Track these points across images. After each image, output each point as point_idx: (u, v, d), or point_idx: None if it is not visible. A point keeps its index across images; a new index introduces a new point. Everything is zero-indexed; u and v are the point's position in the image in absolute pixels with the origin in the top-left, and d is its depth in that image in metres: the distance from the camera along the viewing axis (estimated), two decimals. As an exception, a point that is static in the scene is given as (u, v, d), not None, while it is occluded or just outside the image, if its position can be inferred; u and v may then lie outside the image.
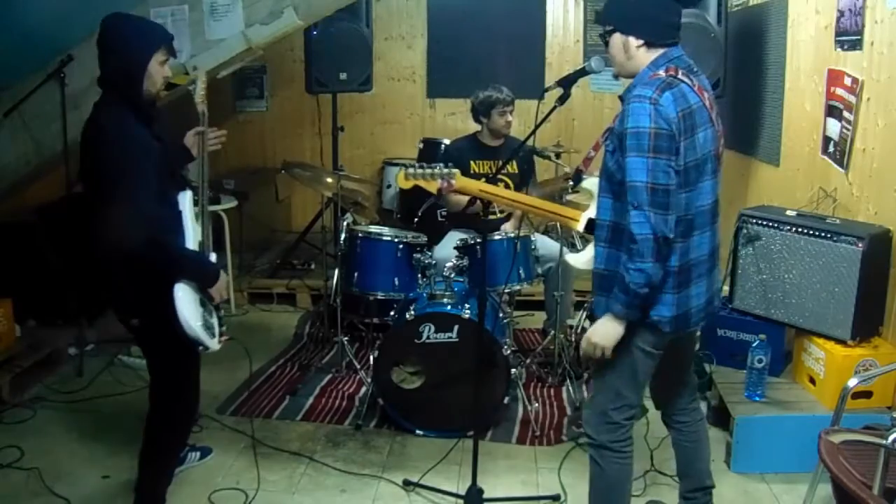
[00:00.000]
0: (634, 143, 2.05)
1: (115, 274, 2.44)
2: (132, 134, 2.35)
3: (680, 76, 2.15)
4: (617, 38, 2.23)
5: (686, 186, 2.12)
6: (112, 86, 2.41)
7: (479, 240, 3.49)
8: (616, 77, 2.35)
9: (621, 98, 2.25)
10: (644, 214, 2.03)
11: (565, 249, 2.45)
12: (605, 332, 2.18)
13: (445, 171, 2.43)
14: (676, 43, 2.24)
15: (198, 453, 3.14)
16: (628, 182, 2.06)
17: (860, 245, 3.01)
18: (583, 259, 2.40)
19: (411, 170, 2.45)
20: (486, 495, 2.79)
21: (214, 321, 2.55)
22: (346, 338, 3.99)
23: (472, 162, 4.16)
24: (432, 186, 2.46)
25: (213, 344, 2.49)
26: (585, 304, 4.19)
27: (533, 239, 3.79)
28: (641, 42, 2.19)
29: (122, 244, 2.29)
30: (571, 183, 2.42)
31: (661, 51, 2.20)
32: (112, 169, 2.31)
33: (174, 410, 2.67)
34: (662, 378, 2.44)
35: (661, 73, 2.15)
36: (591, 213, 2.36)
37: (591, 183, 2.38)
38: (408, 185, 2.50)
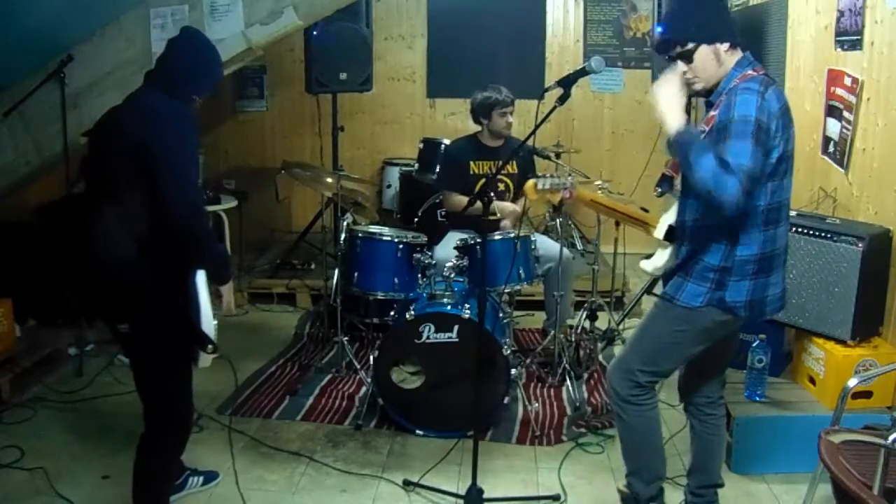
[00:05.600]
0: (741, 128, 2.07)
1: (123, 271, 2.36)
2: (189, 115, 2.42)
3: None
4: (705, 51, 2.24)
5: (778, 176, 2.19)
6: (169, 83, 2.43)
7: (479, 240, 3.49)
8: (693, 96, 2.35)
9: (709, 103, 2.29)
10: (741, 193, 2.01)
11: (641, 259, 2.49)
12: (665, 100, 2.20)
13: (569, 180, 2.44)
14: (742, 38, 2.28)
15: (200, 478, 2.97)
16: (732, 163, 2.03)
17: (860, 245, 3.01)
18: (658, 264, 2.43)
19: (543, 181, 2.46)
20: (486, 495, 2.78)
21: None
22: (346, 338, 3.99)
23: (472, 162, 4.16)
24: (556, 197, 2.51)
25: (208, 360, 2.43)
26: (585, 304, 4.20)
27: (533, 239, 3.79)
28: (728, 45, 2.24)
29: (174, 214, 2.28)
30: (658, 189, 2.42)
31: (739, 53, 2.25)
32: (168, 142, 2.30)
33: (171, 429, 2.54)
34: (702, 367, 2.47)
35: (751, 72, 2.20)
36: (671, 219, 2.40)
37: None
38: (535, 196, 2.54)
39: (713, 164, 2.04)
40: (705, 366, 2.47)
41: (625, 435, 2.48)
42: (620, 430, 2.49)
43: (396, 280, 3.64)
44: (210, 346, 2.39)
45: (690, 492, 2.66)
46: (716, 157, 2.05)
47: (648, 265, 2.46)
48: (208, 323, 2.38)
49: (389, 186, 6.02)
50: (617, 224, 3.93)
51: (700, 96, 2.34)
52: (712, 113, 2.20)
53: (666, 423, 3.22)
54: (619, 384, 2.40)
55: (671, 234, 2.39)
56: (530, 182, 2.47)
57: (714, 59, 2.24)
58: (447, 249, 3.82)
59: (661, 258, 2.41)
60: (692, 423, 2.64)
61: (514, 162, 4.14)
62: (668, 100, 2.21)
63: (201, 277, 2.39)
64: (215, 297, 2.52)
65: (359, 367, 3.95)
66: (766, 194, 2.18)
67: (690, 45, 2.24)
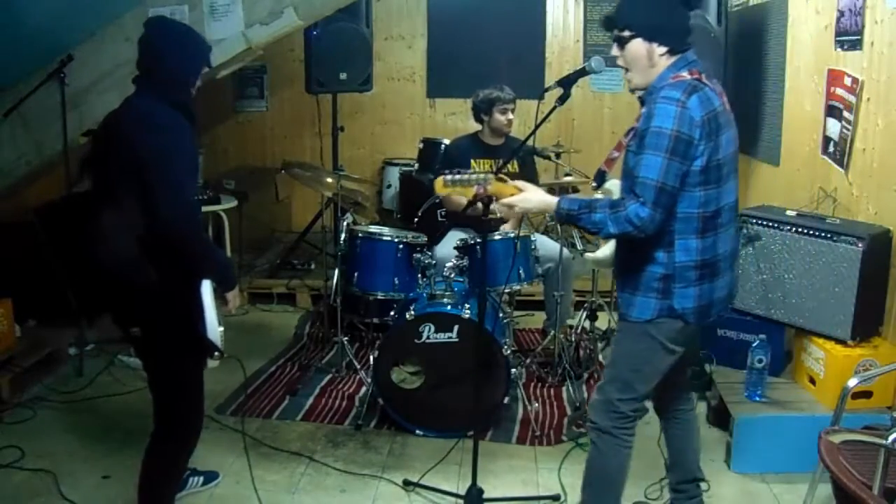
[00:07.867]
0: (654, 141, 2.09)
1: (127, 276, 2.35)
2: (184, 125, 2.36)
3: (703, 80, 2.18)
4: (639, 45, 2.21)
5: (711, 184, 2.18)
6: (160, 85, 2.38)
7: (479, 240, 3.49)
8: (633, 91, 2.31)
9: (641, 100, 2.26)
10: (646, 210, 2.09)
11: (583, 250, 2.52)
12: (532, 204, 2.36)
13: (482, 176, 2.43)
14: (690, 47, 2.25)
15: (200, 478, 2.98)
16: (640, 178, 2.11)
17: (860, 245, 3.01)
18: (601, 255, 2.46)
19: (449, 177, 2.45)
20: (486, 495, 2.78)
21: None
22: (346, 338, 3.99)
23: (472, 161, 4.16)
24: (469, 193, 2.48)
25: (214, 362, 2.46)
26: (585, 304, 4.20)
27: (533, 239, 3.79)
28: (665, 49, 2.20)
29: (167, 228, 2.26)
30: (594, 184, 2.44)
31: (678, 56, 2.22)
32: (162, 153, 2.27)
33: (183, 429, 2.55)
34: (669, 371, 2.42)
35: (685, 74, 2.17)
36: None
37: (614, 184, 2.41)
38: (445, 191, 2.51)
39: (605, 214, 2.14)
40: (668, 373, 2.39)
41: (594, 466, 2.39)
42: (591, 461, 2.40)
43: (396, 280, 3.64)
44: (217, 353, 2.41)
45: (672, 489, 2.66)
46: (601, 206, 2.15)
47: (592, 256, 2.50)
48: (213, 330, 2.38)
49: (389, 186, 6.02)
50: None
51: (640, 90, 2.29)
52: (642, 111, 2.20)
53: (652, 420, 3.20)
54: (600, 416, 2.34)
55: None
56: (439, 178, 2.47)
57: (645, 57, 2.20)
58: (447, 249, 3.82)
59: (607, 249, 2.43)
60: (663, 423, 2.65)
61: (515, 161, 4.14)
62: (533, 201, 2.35)
63: (206, 285, 2.39)
64: (221, 302, 2.52)
65: (359, 367, 3.95)
66: (697, 203, 2.16)
67: (627, 33, 2.21)
